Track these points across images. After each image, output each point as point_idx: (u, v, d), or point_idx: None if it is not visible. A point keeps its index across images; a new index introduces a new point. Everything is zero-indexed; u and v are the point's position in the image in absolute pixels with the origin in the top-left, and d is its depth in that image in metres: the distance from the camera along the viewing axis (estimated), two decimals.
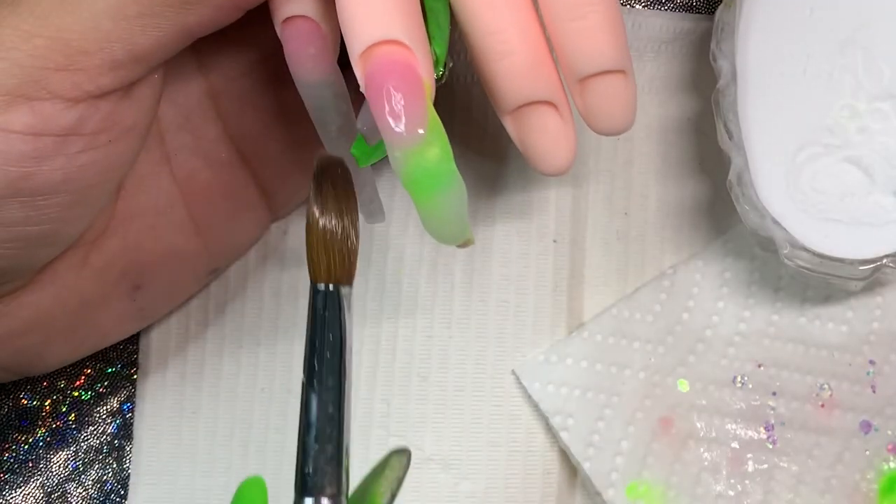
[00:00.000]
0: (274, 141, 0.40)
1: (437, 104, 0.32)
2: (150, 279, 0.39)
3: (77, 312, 0.37)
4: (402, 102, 0.30)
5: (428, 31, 0.33)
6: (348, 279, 0.32)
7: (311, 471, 0.32)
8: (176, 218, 0.39)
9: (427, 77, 0.31)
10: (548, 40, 0.34)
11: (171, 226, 0.39)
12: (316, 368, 0.32)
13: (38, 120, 0.31)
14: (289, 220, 0.44)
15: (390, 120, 0.30)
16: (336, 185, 0.32)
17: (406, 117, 0.30)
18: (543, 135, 0.35)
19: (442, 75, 0.36)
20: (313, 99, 0.35)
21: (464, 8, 0.33)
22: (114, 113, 0.33)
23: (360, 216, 0.38)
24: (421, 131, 0.31)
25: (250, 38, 0.38)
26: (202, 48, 0.37)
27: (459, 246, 0.35)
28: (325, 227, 0.32)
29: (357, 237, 0.32)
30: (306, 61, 0.34)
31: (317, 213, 0.31)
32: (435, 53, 0.33)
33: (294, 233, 0.44)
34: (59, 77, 0.31)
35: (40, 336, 0.37)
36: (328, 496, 0.32)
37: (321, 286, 0.32)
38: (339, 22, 0.32)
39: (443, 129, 0.31)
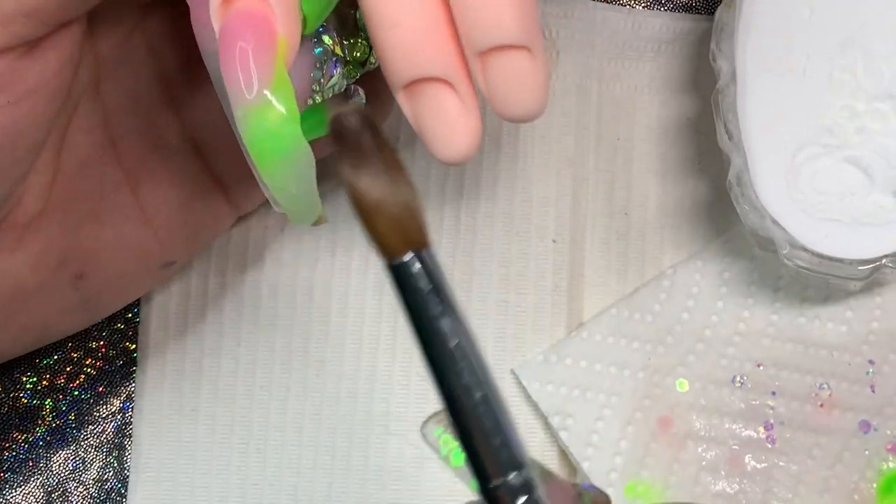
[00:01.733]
0: (229, 130, 0.36)
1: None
2: (94, 267, 0.37)
3: (11, 299, 0.36)
4: (250, 58, 0.28)
5: None
6: (426, 239, 0.27)
7: (482, 453, 0.26)
8: (121, 204, 0.37)
9: (286, 33, 0.29)
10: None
11: (116, 212, 0.37)
12: (446, 353, 0.27)
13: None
14: (284, 217, 0.44)
15: (236, 76, 0.28)
16: (364, 141, 0.27)
17: (251, 74, 0.28)
18: (437, 116, 0.31)
19: (367, 58, 0.34)
20: (216, 69, 0.31)
21: None
22: (10, 71, 0.31)
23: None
24: (266, 92, 0.28)
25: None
26: (151, 30, 0.36)
27: (313, 224, 0.32)
28: (376, 195, 0.27)
29: (412, 188, 0.27)
30: (210, 28, 0.30)
31: (358, 184, 0.27)
32: (304, 13, 0.31)
33: (291, 230, 0.44)
34: None
35: None
36: (514, 469, 0.26)
37: (405, 258, 0.27)
38: None
39: (291, 91, 0.29)
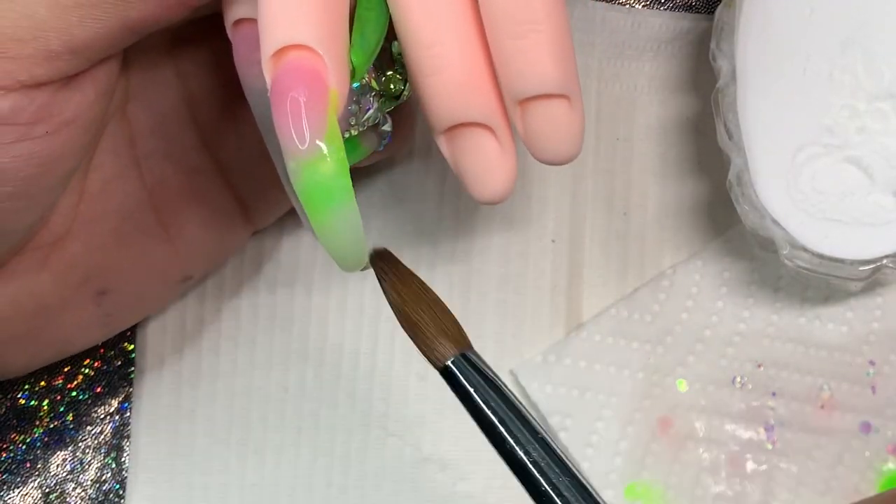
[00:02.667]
0: (251, 152, 0.38)
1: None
2: (116, 284, 0.38)
3: (36, 316, 0.36)
4: (303, 112, 0.29)
5: (351, 40, 0.31)
6: (466, 340, 0.32)
7: None
8: (143, 223, 0.38)
9: (336, 87, 0.30)
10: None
11: (139, 231, 0.38)
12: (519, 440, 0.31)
13: (36, 108, 0.31)
14: (283, 219, 0.44)
15: (288, 129, 0.29)
16: (394, 270, 0.33)
17: (305, 128, 0.29)
18: (477, 159, 0.33)
19: (402, 92, 0.35)
20: (259, 107, 0.33)
21: (400, 18, 0.32)
22: (51, 104, 0.32)
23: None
24: (318, 143, 0.29)
25: (231, 46, 0.37)
26: (181, 55, 0.37)
27: (361, 270, 0.33)
28: (414, 314, 0.32)
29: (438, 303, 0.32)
30: (254, 66, 0.31)
31: (399, 304, 0.32)
32: (352, 63, 0.32)
33: (289, 232, 0.44)
34: None
35: None
36: None
37: (456, 360, 0.32)
38: (258, 20, 0.30)
39: (342, 144, 0.30)
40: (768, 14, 0.39)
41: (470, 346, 0.32)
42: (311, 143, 0.29)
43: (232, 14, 0.33)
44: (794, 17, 0.39)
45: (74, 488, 0.43)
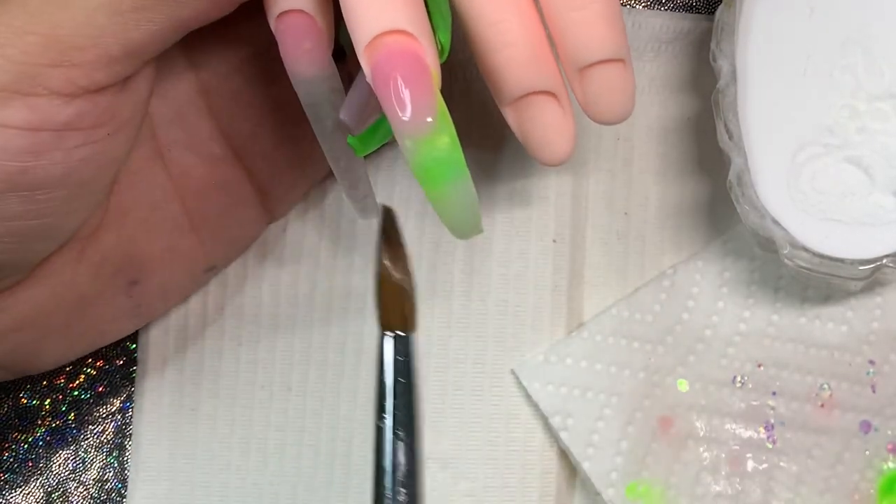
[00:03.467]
0: (267, 138, 0.40)
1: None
2: (146, 275, 0.39)
3: (73, 308, 0.37)
4: (410, 91, 0.30)
5: (431, 21, 0.33)
6: (414, 327, 0.34)
7: None
8: (170, 213, 0.39)
9: (433, 66, 0.31)
10: (546, 31, 0.35)
11: (166, 221, 0.39)
12: (398, 414, 0.33)
13: (35, 115, 0.31)
14: (287, 217, 0.44)
15: (399, 109, 0.30)
16: (399, 237, 0.34)
17: (415, 106, 0.30)
18: (544, 125, 0.35)
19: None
20: (309, 95, 0.35)
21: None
22: (111, 107, 0.33)
23: (355, 211, 0.39)
24: (430, 119, 0.31)
25: (241, 34, 0.38)
26: (192, 44, 0.37)
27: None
28: (399, 279, 0.33)
29: (414, 286, 0.34)
30: (302, 56, 0.33)
31: (390, 266, 0.33)
32: (440, 42, 0.33)
33: (293, 230, 0.44)
34: (54, 73, 0.31)
35: (36, 333, 0.37)
36: None
37: (398, 333, 0.33)
38: (344, 13, 0.32)
39: (450, 118, 0.31)
40: (768, 14, 0.39)
41: (412, 331, 0.34)
42: (423, 121, 0.30)
43: (277, 7, 0.34)
44: (795, 17, 0.39)
45: (77, 487, 0.43)
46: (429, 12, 0.33)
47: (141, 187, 0.38)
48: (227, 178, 0.40)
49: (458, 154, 0.31)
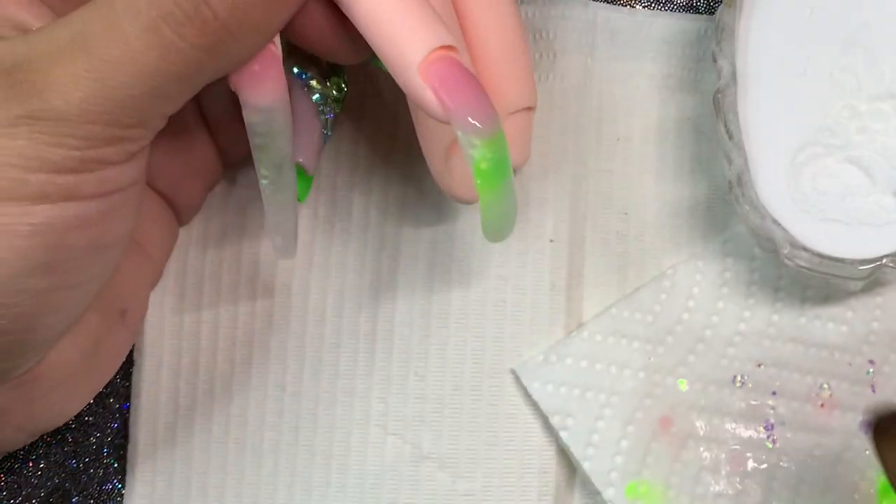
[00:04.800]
0: (158, 152, 0.39)
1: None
2: (129, 300, 0.39)
3: (92, 354, 0.38)
4: (476, 98, 0.33)
5: None
6: None
7: None
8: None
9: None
10: None
11: (130, 248, 0.39)
12: None
13: (104, 185, 0.32)
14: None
15: (470, 115, 0.32)
16: None
17: (482, 111, 0.33)
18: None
19: (344, 93, 0.39)
20: (265, 125, 0.34)
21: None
22: (146, 156, 0.34)
23: (274, 248, 0.39)
24: (495, 123, 0.33)
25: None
26: None
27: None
28: None
29: None
30: (267, 84, 0.33)
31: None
32: None
33: None
34: (111, 150, 0.32)
35: (66, 389, 0.37)
36: None
37: None
38: (379, 37, 0.33)
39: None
40: (769, 14, 0.39)
41: None
42: (494, 122, 0.33)
43: None
44: (795, 17, 0.39)
45: (76, 487, 0.43)
46: None
47: None
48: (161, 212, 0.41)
49: (508, 157, 0.34)
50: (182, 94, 0.32)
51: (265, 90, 0.33)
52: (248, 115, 0.34)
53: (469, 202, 0.40)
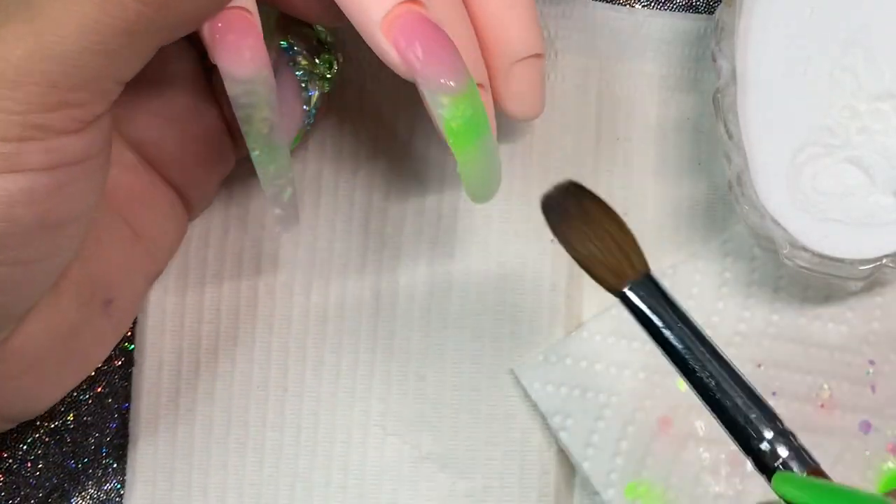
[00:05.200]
0: (172, 141, 0.39)
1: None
2: (116, 291, 0.38)
3: (66, 342, 0.37)
4: (443, 53, 0.31)
5: None
6: (641, 264, 0.34)
7: (743, 423, 0.33)
8: (114, 226, 0.38)
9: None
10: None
11: (113, 235, 0.38)
12: (687, 358, 0.33)
13: (52, 156, 0.31)
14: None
15: (436, 71, 0.31)
16: (570, 210, 0.34)
17: (450, 66, 0.31)
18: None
19: (335, 71, 0.39)
20: (247, 96, 0.34)
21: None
22: (108, 130, 0.33)
23: (276, 222, 0.38)
24: (464, 79, 0.31)
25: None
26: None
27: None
28: (587, 251, 0.33)
29: (621, 226, 0.34)
30: (245, 53, 0.33)
31: (570, 247, 0.33)
32: None
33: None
34: (56, 116, 0.31)
35: (35, 375, 0.37)
36: (766, 427, 0.32)
37: (625, 290, 0.33)
38: None
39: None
40: (768, 14, 0.39)
41: (644, 268, 0.34)
42: (461, 78, 0.31)
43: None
44: (794, 17, 0.39)
45: (75, 487, 0.43)
46: None
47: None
48: (146, 184, 0.39)
49: (485, 112, 0.32)
50: (131, 53, 0.32)
51: (243, 60, 0.33)
52: (229, 87, 0.33)
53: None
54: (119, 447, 0.43)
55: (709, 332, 0.42)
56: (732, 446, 0.41)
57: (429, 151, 0.44)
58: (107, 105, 0.32)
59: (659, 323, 0.33)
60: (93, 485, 0.43)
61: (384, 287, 0.43)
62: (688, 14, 0.45)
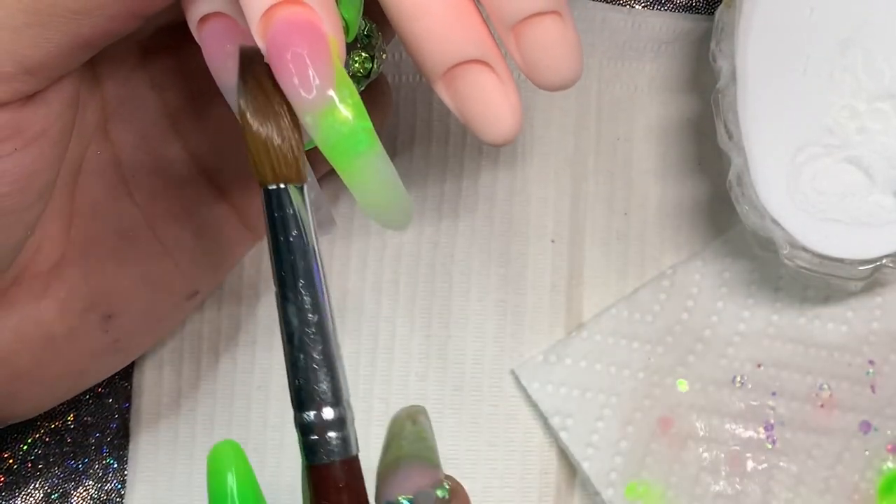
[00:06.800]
0: (235, 155, 0.37)
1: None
2: (121, 307, 0.37)
3: (43, 348, 0.36)
4: (308, 63, 0.28)
5: None
6: (297, 177, 0.29)
7: (302, 382, 0.29)
8: (140, 240, 0.37)
9: (334, 35, 0.29)
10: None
11: (137, 249, 0.37)
12: (285, 275, 0.29)
13: None
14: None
15: (295, 83, 0.28)
16: (263, 79, 0.29)
17: (312, 79, 0.28)
18: (480, 98, 0.31)
19: (370, 70, 0.35)
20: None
21: None
22: (16, 121, 0.31)
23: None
24: (329, 92, 0.28)
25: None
26: (154, 67, 0.36)
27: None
28: (260, 127, 0.29)
29: (297, 131, 0.29)
30: (227, 60, 0.31)
31: (249, 114, 0.29)
32: (344, 19, 0.31)
33: None
34: None
35: (4, 375, 0.36)
36: (329, 405, 0.29)
37: (271, 187, 0.29)
38: None
39: (354, 89, 0.29)
40: (768, 14, 0.39)
41: (298, 181, 0.29)
42: (323, 93, 0.28)
43: (196, 11, 0.31)
44: (794, 17, 0.39)
45: (76, 487, 0.43)
46: None
47: (105, 216, 0.37)
48: (199, 199, 0.38)
49: (365, 124, 0.29)
50: (39, 35, 0.30)
51: (229, 66, 0.31)
52: (225, 95, 0.32)
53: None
54: (120, 447, 0.43)
55: (708, 332, 0.42)
56: (733, 446, 0.41)
57: (429, 150, 0.44)
58: (9, 93, 0.31)
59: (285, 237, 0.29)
60: (93, 484, 0.43)
61: (385, 288, 0.43)
62: (688, 14, 0.45)
